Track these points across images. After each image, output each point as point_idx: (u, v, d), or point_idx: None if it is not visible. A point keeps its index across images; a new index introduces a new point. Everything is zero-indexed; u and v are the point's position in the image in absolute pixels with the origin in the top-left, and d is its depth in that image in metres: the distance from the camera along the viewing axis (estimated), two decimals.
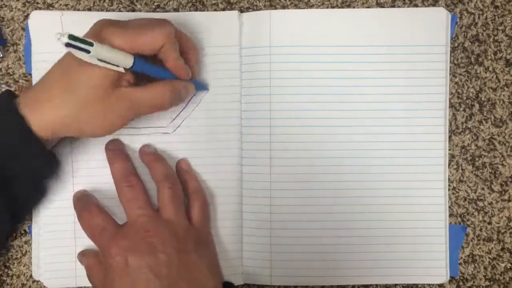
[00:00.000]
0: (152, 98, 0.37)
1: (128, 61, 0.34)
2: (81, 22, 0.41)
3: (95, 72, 0.34)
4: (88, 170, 0.42)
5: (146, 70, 0.36)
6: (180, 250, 0.37)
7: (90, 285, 0.41)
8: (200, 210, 0.40)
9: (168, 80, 0.38)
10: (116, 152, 0.41)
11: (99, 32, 0.34)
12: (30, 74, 0.43)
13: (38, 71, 0.42)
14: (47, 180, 0.41)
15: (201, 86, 0.42)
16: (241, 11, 0.43)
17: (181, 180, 0.41)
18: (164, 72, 0.38)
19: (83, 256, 0.41)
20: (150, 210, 0.39)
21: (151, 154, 0.41)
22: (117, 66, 0.34)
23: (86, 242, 0.41)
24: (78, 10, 0.44)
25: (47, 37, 0.42)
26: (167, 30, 0.36)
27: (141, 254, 0.36)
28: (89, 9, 0.44)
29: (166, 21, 0.37)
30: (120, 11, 0.44)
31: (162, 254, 0.36)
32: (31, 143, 0.35)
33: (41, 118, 0.35)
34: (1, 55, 0.43)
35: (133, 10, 0.44)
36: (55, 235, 0.42)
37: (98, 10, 0.44)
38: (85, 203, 0.40)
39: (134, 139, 0.42)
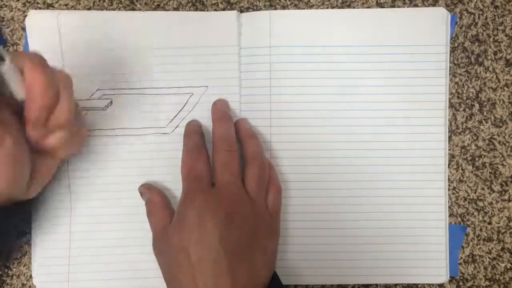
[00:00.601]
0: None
1: None
2: (78, 22, 0.41)
3: None
4: (86, 172, 0.42)
5: None
6: (253, 232, 0.37)
7: None
8: (276, 198, 0.40)
9: None
10: (224, 114, 0.41)
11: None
12: None
13: None
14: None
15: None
16: (241, 11, 0.43)
17: None
18: None
19: (148, 190, 0.41)
20: (240, 182, 0.38)
21: (246, 129, 0.41)
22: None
23: (81, 244, 0.42)
24: (78, 9, 0.44)
25: (44, 37, 0.42)
26: None
27: (218, 221, 0.35)
28: (89, 9, 0.44)
29: None
30: (120, 10, 0.43)
31: (236, 230, 0.36)
32: None
33: None
34: None
35: (133, 10, 0.44)
36: (49, 237, 0.42)
37: (97, 10, 0.44)
38: (200, 143, 0.40)
39: (132, 140, 0.42)
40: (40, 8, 0.44)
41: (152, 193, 0.40)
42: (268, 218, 0.39)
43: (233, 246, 0.36)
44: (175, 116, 0.42)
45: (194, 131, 0.41)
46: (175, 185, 0.42)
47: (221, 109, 0.42)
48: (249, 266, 0.36)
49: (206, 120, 0.42)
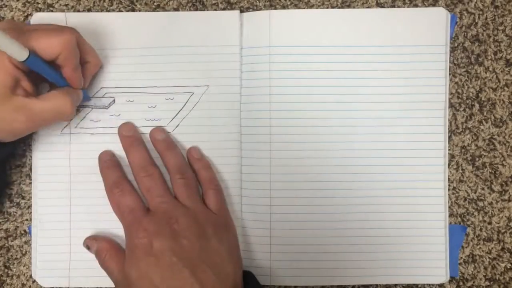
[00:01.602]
0: (53, 108, 0.37)
1: (23, 53, 0.34)
2: (82, 23, 0.42)
3: None
4: (85, 169, 0.42)
5: (41, 70, 0.36)
6: (201, 235, 0.38)
7: (82, 285, 0.42)
8: (215, 197, 0.41)
9: (65, 88, 0.38)
10: (132, 139, 0.41)
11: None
12: None
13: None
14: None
15: (86, 97, 0.42)
16: (241, 11, 0.43)
17: (193, 169, 0.42)
18: (59, 78, 0.38)
19: (95, 240, 0.41)
20: (170, 197, 0.39)
21: (162, 142, 0.42)
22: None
23: (81, 241, 0.42)
24: (78, 10, 0.44)
25: None
26: (65, 39, 0.36)
27: (165, 239, 0.37)
28: (89, 10, 0.44)
29: (68, 29, 0.37)
30: (120, 11, 0.44)
31: (184, 239, 0.37)
32: None
33: None
34: None
35: (133, 10, 0.44)
36: (51, 234, 0.42)
37: (98, 11, 0.44)
38: (117, 178, 0.40)
39: None
40: (40, 9, 0.44)
41: (99, 242, 0.41)
42: (213, 217, 0.40)
43: (188, 255, 0.36)
44: (175, 115, 0.42)
45: (107, 166, 0.41)
46: None
47: (127, 135, 0.42)
48: (211, 267, 0.37)
49: (207, 119, 0.42)
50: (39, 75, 0.37)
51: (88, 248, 0.41)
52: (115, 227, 0.42)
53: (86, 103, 0.42)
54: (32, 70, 0.36)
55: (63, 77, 0.38)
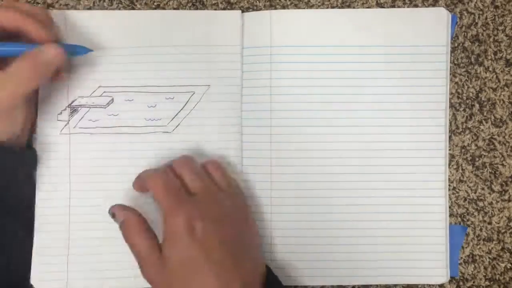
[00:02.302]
0: (11, 77, 0.36)
1: None
2: (82, 20, 0.42)
3: None
4: (84, 169, 0.42)
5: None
6: (241, 219, 0.38)
7: None
8: (220, 171, 0.40)
9: (26, 52, 0.37)
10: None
11: None
12: None
13: None
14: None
15: (80, 50, 0.40)
16: (242, 11, 0.43)
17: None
18: (14, 50, 0.37)
19: (123, 210, 0.38)
20: (211, 181, 0.39)
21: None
22: None
23: (80, 243, 0.42)
24: (78, 10, 0.44)
25: None
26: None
27: (209, 222, 0.36)
28: (89, 9, 0.44)
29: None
30: (120, 10, 0.44)
31: (228, 226, 0.37)
32: None
33: None
34: None
35: (133, 10, 0.44)
36: (49, 235, 0.42)
37: (98, 9, 0.44)
38: (162, 167, 0.40)
39: (132, 138, 0.42)
40: None
41: (128, 214, 0.38)
42: (244, 199, 0.41)
43: (232, 238, 0.36)
44: (176, 115, 0.42)
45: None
46: None
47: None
48: (248, 256, 0.37)
49: (207, 119, 0.42)
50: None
51: (113, 216, 0.39)
52: (115, 229, 0.42)
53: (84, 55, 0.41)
54: None
55: (16, 45, 0.37)
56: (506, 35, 0.43)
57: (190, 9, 0.44)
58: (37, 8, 0.40)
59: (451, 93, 0.43)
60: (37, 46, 0.37)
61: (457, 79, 0.43)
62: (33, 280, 0.42)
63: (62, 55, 0.37)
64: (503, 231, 0.43)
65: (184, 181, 0.38)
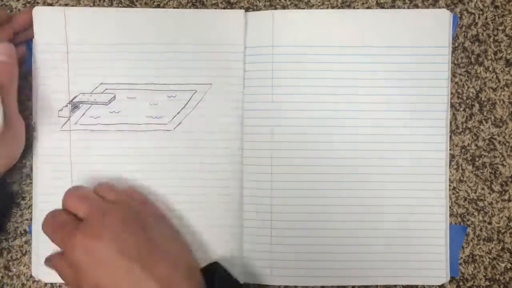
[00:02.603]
0: None
1: None
2: (84, 18, 0.42)
3: None
4: (85, 166, 0.42)
5: None
6: (144, 227, 0.37)
7: None
8: (112, 191, 0.40)
9: None
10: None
11: None
12: (30, 72, 0.43)
13: (39, 68, 0.42)
14: None
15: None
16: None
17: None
18: None
19: (50, 260, 0.38)
20: (98, 200, 0.38)
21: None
22: None
23: None
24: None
25: (50, 33, 0.42)
26: None
27: (108, 240, 0.35)
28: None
29: None
30: None
31: (126, 234, 0.35)
32: None
33: None
34: None
35: None
36: None
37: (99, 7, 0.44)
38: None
39: (134, 136, 0.42)
40: None
41: (53, 260, 0.38)
42: (148, 208, 0.39)
43: (136, 250, 0.35)
44: (177, 113, 0.42)
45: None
46: (175, 182, 0.42)
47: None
48: (161, 256, 0.36)
49: (209, 117, 0.42)
50: None
51: (52, 269, 0.39)
52: None
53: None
54: None
55: None
56: (506, 35, 0.43)
57: (190, 8, 0.44)
58: None
59: (451, 93, 0.43)
60: None
61: (457, 79, 0.43)
62: (36, 272, 0.42)
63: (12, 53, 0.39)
64: (503, 231, 0.43)
65: (73, 211, 0.38)
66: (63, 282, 0.40)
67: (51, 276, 0.41)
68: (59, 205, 0.42)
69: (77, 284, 0.36)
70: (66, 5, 0.44)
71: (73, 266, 0.35)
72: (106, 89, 0.42)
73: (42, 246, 0.42)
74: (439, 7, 0.43)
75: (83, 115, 0.42)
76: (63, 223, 0.37)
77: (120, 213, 0.37)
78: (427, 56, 0.42)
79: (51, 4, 0.44)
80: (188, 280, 0.35)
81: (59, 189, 0.42)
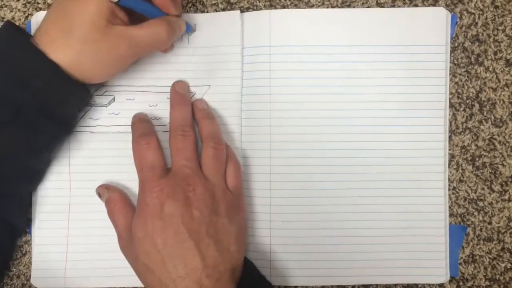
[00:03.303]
0: (150, 34, 0.38)
1: None
2: None
3: (88, 7, 0.35)
4: (84, 167, 0.42)
5: (136, 6, 0.37)
6: (213, 211, 0.37)
7: (78, 286, 0.42)
8: (234, 174, 0.40)
9: (162, 17, 0.38)
10: (181, 96, 0.41)
11: None
12: None
13: None
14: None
15: (188, 27, 0.42)
16: (241, 11, 0.43)
17: None
18: (153, 10, 0.38)
19: (107, 189, 0.41)
20: (195, 164, 0.39)
21: (202, 110, 0.42)
22: None
23: (79, 241, 0.42)
24: None
25: None
26: None
27: (178, 204, 0.36)
28: None
29: None
30: None
31: (196, 210, 0.37)
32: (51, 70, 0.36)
33: (55, 57, 0.35)
34: None
35: None
36: (48, 233, 0.42)
37: None
38: (147, 130, 0.40)
39: (130, 137, 0.42)
40: (41, 8, 0.44)
41: (111, 191, 0.41)
42: (229, 196, 0.39)
43: (196, 226, 0.36)
44: None
45: (139, 119, 0.41)
46: None
47: (179, 92, 0.42)
48: (216, 243, 0.36)
49: None
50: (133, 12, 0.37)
51: (99, 195, 0.41)
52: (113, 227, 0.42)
53: (189, 33, 0.43)
54: (126, 7, 0.36)
55: (156, 8, 0.38)
56: (506, 35, 0.43)
57: (190, 9, 0.44)
58: None
59: (451, 93, 0.43)
60: (166, 14, 0.39)
61: (457, 79, 0.43)
62: (31, 277, 0.42)
63: (184, 31, 0.41)
64: (503, 231, 0.43)
65: (170, 151, 0.39)
66: (58, 287, 0.41)
67: (46, 280, 0.42)
68: (58, 206, 0.42)
69: (128, 225, 0.38)
70: None
71: (140, 207, 0.37)
72: (106, 91, 0.42)
73: (38, 246, 0.42)
74: (438, 7, 0.43)
75: (82, 117, 0.42)
76: (154, 164, 0.38)
77: (202, 190, 0.37)
78: (425, 54, 0.42)
79: (51, 5, 0.44)
80: (231, 276, 0.37)
81: (58, 191, 0.42)
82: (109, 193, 0.41)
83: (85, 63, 0.36)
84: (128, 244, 0.38)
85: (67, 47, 0.35)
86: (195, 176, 0.38)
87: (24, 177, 0.39)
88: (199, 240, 0.36)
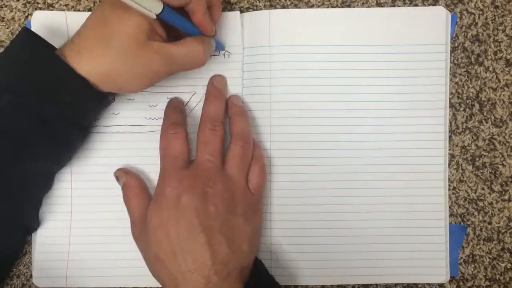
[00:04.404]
0: (187, 53, 0.37)
1: (158, 6, 0.34)
2: (82, 22, 0.41)
3: (130, 20, 0.35)
4: (85, 167, 0.42)
5: (175, 21, 0.36)
6: (230, 209, 0.37)
7: (80, 286, 0.42)
8: (258, 176, 0.40)
9: (197, 36, 0.38)
10: (217, 91, 0.42)
11: None
12: None
13: None
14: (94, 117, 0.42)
15: (220, 46, 0.42)
16: (241, 11, 0.43)
17: None
18: (191, 27, 0.38)
19: (125, 173, 0.41)
20: (219, 160, 0.39)
21: (237, 106, 0.42)
22: (149, 11, 0.34)
23: (80, 240, 0.42)
24: (79, 10, 0.44)
25: (50, 37, 0.42)
26: None
27: (194, 198, 0.36)
28: (89, 10, 0.44)
29: None
30: None
31: (212, 206, 0.37)
32: (75, 80, 0.35)
33: (83, 69, 0.35)
34: None
35: None
36: (50, 232, 0.42)
37: None
38: (177, 120, 0.40)
39: (133, 137, 0.42)
40: (40, 8, 0.44)
41: (129, 176, 0.41)
42: (249, 196, 0.39)
43: (210, 222, 0.36)
44: None
45: (174, 108, 0.41)
46: None
47: (216, 87, 0.42)
48: (228, 241, 0.36)
49: None
50: (171, 25, 0.37)
51: (117, 179, 0.41)
52: (115, 227, 0.42)
53: (218, 52, 0.43)
54: (166, 21, 0.36)
55: (194, 26, 0.38)
56: (506, 35, 0.43)
57: None
58: None
59: (451, 93, 0.43)
60: (201, 33, 0.38)
61: (457, 79, 0.43)
62: (33, 276, 0.42)
63: (213, 50, 0.41)
64: (503, 231, 0.43)
65: (197, 144, 0.39)
66: (59, 287, 0.41)
67: (47, 279, 0.42)
68: (60, 206, 0.42)
69: (143, 212, 0.38)
70: (67, 5, 0.44)
71: (157, 195, 0.38)
72: None
73: (40, 246, 0.42)
74: (438, 6, 0.43)
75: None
76: (178, 155, 0.39)
77: (221, 186, 0.38)
78: (425, 54, 0.42)
79: (51, 5, 0.44)
80: (240, 275, 0.37)
81: (58, 191, 0.42)
82: (127, 177, 0.41)
83: (119, 74, 0.36)
84: (141, 232, 0.38)
85: (104, 57, 0.35)
86: (217, 172, 0.38)
87: (44, 182, 0.40)
88: (211, 236, 0.36)
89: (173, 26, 0.37)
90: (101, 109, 0.41)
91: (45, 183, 0.40)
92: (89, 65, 0.35)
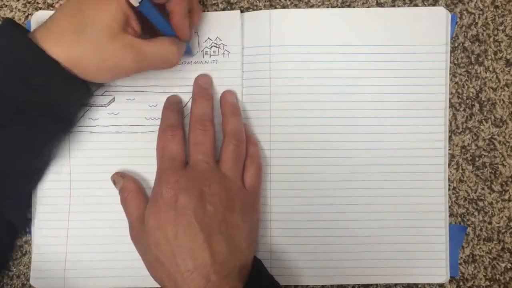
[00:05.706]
0: (159, 52, 0.37)
1: None
2: None
3: (106, 10, 0.35)
4: (84, 168, 0.42)
5: (153, 16, 0.36)
6: (227, 207, 0.37)
7: (77, 287, 0.42)
8: (254, 174, 0.40)
9: (171, 37, 0.38)
10: (203, 90, 0.42)
11: None
12: None
13: None
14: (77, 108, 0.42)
15: (189, 50, 0.42)
16: (241, 11, 0.43)
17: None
18: (167, 27, 0.38)
19: (122, 177, 0.41)
20: (212, 159, 0.39)
21: (231, 104, 0.42)
22: None
23: (78, 241, 0.42)
24: None
25: None
26: None
27: (192, 198, 0.36)
28: None
29: None
30: None
31: (210, 205, 0.37)
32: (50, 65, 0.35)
33: (54, 53, 0.35)
34: None
35: None
36: (48, 233, 0.42)
37: None
38: (175, 122, 0.40)
39: (133, 137, 0.42)
40: (40, 8, 0.44)
41: (126, 180, 0.41)
42: (245, 194, 0.39)
43: (208, 221, 0.36)
44: None
45: (171, 109, 0.41)
46: None
47: (202, 86, 0.42)
48: (227, 239, 0.36)
49: None
50: (146, 22, 0.37)
51: (114, 183, 0.41)
52: (113, 227, 0.42)
53: (187, 58, 0.42)
54: (144, 15, 0.36)
55: (171, 26, 0.38)
56: (506, 35, 0.43)
57: None
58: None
59: (451, 93, 0.43)
60: (175, 36, 0.38)
61: (457, 79, 0.43)
62: (31, 277, 0.42)
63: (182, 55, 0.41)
64: (503, 231, 0.43)
65: (189, 145, 0.39)
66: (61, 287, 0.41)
67: (45, 280, 0.42)
68: (58, 206, 0.42)
69: (141, 215, 0.38)
70: None
71: (155, 197, 0.38)
72: (106, 91, 0.42)
73: (38, 247, 0.42)
74: (438, 6, 0.43)
75: (82, 117, 0.42)
76: (175, 156, 0.39)
77: (217, 185, 0.38)
78: (425, 54, 0.42)
79: (51, 5, 0.44)
80: (239, 274, 0.37)
81: (58, 191, 0.42)
82: (124, 181, 0.41)
83: (89, 63, 0.36)
84: (139, 235, 0.38)
85: (75, 43, 0.35)
86: (212, 172, 0.38)
87: (24, 175, 0.40)
88: (210, 235, 0.36)
89: (149, 24, 0.37)
90: (79, 99, 0.40)
91: (25, 177, 0.40)
92: (60, 50, 0.35)
